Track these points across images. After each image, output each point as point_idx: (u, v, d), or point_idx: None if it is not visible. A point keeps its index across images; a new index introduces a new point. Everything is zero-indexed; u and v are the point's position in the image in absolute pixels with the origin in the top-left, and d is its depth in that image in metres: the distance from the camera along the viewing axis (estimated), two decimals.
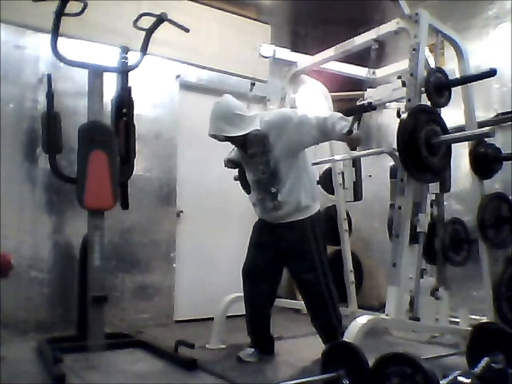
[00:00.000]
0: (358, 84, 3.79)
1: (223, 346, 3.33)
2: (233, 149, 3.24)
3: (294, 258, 2.95)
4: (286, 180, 2.90)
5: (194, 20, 4.08)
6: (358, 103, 3.14)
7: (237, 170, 3.39)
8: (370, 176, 4.61)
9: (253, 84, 3.81)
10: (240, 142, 2.92)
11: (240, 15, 4.73)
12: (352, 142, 2.83)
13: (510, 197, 3.29)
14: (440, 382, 1.85)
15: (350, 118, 2.78)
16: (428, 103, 2.76)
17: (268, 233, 3.03)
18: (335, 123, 2.80)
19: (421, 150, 2.56)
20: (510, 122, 3.66)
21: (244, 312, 3.13)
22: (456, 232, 3.26)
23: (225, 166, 3.27)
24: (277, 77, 4.55)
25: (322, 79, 4.00)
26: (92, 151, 3.23)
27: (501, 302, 3.03)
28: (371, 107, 3.07)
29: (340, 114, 2.87)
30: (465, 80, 3.05)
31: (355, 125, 2.76)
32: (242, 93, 3.89)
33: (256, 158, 2.93)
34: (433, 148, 2.61)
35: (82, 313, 3.24)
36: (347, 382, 2.01)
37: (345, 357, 2.06)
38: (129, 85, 3.63)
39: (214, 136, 2.92)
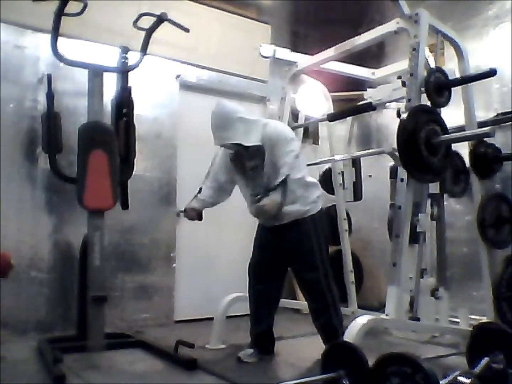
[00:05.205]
0: (358, 84, 3.79)
1: (223, 346, 3.33)
2: (194, 198, 3.20)
3: (296, 257, 2.96)
4: (280, 191, 2.85)
5: (194, 20, 4.07)
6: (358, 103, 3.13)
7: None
8: (370, 176, 4.60)
9: None
10: (244, 151, 2.92)
11: (240, 15, 4.72)
12: (256, 211, 2.84)
13: (510, 197, 3.29)
14: (440, 382, 1.85)
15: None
16: (428, 103, 2.76)
17: (271, 233, 3.04)
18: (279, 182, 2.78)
19: (421, 150, 2.56)
20: (510, 122, 3.66)
21: (244, 312, 3.14)
22: (454, 164, 3.25)
23: (184, 216, 3.21)
24: (277, 77, 4.55)
25: (322, 79, 4.00)
26: (92, 151, 3.21)
27: (501, 302, 3.03)
28: (371, 108, 3.08)
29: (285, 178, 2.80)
30: (465, 80, 3.05)
31: (277, 194, 2.77)
32: (242, 93, 3.89)
33: (254, 171, 2.94)
34: (433, 148, 2.61)
35: (82, 313, 3.23)
36: (347, 382, 2.02)
37: (345, 357, 2.06)
38: (129, 85, 3.63)
39: (223, 145, 2.89)
